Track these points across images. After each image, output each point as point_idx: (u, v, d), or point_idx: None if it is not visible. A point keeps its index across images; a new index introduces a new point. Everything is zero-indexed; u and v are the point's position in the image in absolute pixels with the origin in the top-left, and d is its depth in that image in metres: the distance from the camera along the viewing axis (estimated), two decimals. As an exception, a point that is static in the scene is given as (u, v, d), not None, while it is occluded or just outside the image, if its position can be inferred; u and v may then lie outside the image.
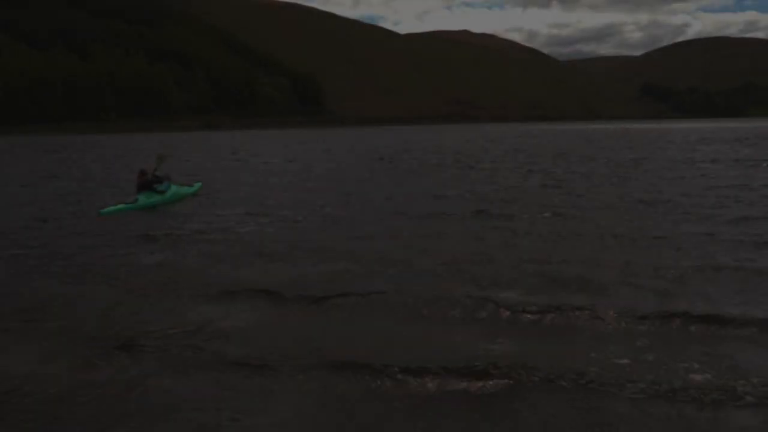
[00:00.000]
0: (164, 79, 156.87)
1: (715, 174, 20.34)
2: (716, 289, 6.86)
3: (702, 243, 9.26)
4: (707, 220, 11.30)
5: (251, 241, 10.41)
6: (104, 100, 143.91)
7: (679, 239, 9.47)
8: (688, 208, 12.92)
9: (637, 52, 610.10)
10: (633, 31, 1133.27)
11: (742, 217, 11.44)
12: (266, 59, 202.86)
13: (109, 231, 11.52)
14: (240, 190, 18.44)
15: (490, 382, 4.53)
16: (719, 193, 15.36)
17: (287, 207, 14.42)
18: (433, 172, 23.48)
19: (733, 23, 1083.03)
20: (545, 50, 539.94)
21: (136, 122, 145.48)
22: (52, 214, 13.80)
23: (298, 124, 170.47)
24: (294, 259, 8.90)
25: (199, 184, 17.84)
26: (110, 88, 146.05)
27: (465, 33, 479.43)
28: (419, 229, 11.05)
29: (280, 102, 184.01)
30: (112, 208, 13.82)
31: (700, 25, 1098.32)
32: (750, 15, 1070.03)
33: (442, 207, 13.85)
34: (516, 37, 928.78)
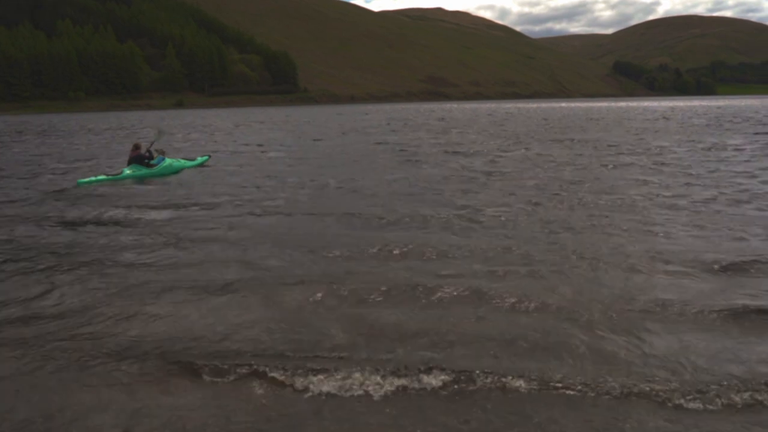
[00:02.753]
0: (134, 56, 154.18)
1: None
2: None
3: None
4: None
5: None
6: (73, 79, 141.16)
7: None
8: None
9: (608, 30, 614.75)
10: (603, 9, 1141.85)
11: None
12: (238, 36, 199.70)
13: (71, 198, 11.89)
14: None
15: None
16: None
17: (283, 179, 14.31)
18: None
19: (701, 2, 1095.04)
20: (517, 28, 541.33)
21: (106, 100, 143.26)
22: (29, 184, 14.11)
23: (270, 102, 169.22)
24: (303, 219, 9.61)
25: (206, 156, 17.84)
26: (79, 66, 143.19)
27: (438, 10, 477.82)
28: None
29: (252, 80, 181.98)
30: (90, 178, 13.75)
31: (669, 3, 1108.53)
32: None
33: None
34: (488, 15, 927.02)
